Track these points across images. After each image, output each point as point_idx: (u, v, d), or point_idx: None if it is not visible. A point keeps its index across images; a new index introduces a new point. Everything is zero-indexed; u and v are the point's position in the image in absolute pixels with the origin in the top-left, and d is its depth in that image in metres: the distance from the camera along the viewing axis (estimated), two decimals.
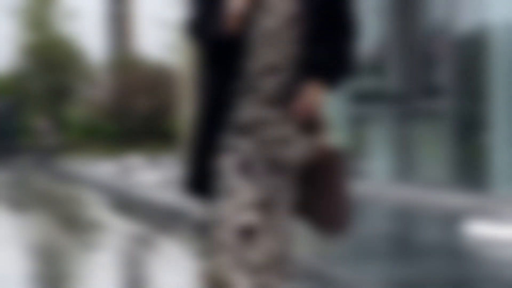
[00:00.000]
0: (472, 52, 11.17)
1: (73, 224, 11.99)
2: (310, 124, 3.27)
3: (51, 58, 45.10)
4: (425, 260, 6.91)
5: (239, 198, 3.17)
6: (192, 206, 11.74)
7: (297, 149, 3.25)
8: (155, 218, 12.11)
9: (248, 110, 3.22)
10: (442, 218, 9.66)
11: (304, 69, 3.24)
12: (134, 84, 43.37)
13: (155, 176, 18.59)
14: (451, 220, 9.13)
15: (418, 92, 12.01)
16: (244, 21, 3.15)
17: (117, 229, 11.06)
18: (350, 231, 3.37)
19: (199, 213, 10.61)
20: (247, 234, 3.15)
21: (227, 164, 3.20)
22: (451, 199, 10.50)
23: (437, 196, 10.79)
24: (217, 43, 3.16)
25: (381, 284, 5.77)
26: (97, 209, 14.14)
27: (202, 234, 9.74)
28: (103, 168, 23.28)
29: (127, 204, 14.32)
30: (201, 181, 3.27)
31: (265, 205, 3.19)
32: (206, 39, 3.21)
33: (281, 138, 3.23)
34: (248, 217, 3.16)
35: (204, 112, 3.27)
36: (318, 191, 3.31)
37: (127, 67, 45.92)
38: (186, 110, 26.94)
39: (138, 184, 16.87)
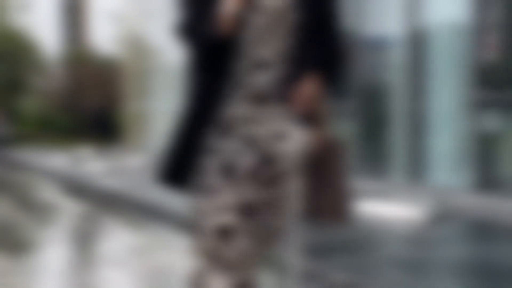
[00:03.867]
0: (376, 56, 11.90)
1: (28, 205, 12.81)
2: (311, 117, 3.17)
3: (4, 50, 44.25)
4: (326, 230, 7.91)
5: (218, 199, 3.09)
6: (131, 190, 13.06)
7: (294, 143, 3.15)
8: (101, 200, 13.08)
9: (236, 106, 3.12)
10: None
11: (299, 63, 3.14)
12: (86, 77, 42.88)
13: (103, 165, 19.47)
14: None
15: (330, 93, 12.96)
16: (237, 22, 3.06)
17: (67, 209, 12.04)
18: (351, 221, 3.33)
19: (137, 196, 11.94)
20: (224, 234, 3.09)
21: (210, 165, 3.12)
22: (355, 184, 11.58)
23: None
24: (210, 44, 3.08)
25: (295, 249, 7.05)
26: (50, 193, 14.81)
27: (140, 214, 11.09)
28: (55, 159, 23.55)
29: (77, 189, 15.09)
30: (181, 174, 3.17)
31: (244, 208, 3.10)
32: (198, 41, 3.12)
33: (274, 134, 3.13)
34: (226, 218, 3.09)
35: (191, 109, 3.17)
36: (322, 182, 3.24)
37: (80, 60, 45.26)
38: (131, 104, 26.76)
39: (87, 172, 17.60)
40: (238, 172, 3.11)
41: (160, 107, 23.57)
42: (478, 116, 9.75)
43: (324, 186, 3.24)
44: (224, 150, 3.12)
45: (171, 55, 22.52)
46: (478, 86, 9.74)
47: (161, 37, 23.45)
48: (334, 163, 3.25)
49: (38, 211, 12.11)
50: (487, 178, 9.61)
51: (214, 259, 3.09)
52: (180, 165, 3.16)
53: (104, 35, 50.43)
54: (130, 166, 19.85)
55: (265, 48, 3.12)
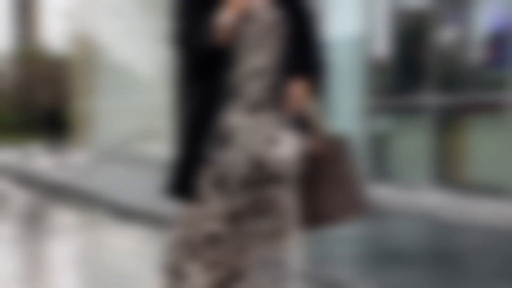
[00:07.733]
0: None
1: None
2: (302, 120, 3.26)
3: None
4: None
5: (207, 209, 3.17)
6: (75, 182, 14.32)
7: (287, 148, 3.21)
8: (48, 190, 14.18)
9: (232, 116, 3.17)
10: None
11: (288, 69, 3.23)
12: (36, 74, 43.05)
13: (52, 161, 20.39)
14: None
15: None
16: (233, 33, 3.11)
17: (17, 197, 13.31)
18: (369, 211, 3.35)
19: (80, 187, 13.31)
20: (211, 240, 3.17)
21: (204, 176, 3.17)
22: None
23: None
24: (205, 53, 3.12)
25: None
26: (1, 185, 15.91)
27: (83, 203, 12.53)
28: (6, 154, 24.19)
29: (26, 181, 16.08)
30: (187, 185, 3.21)
31: (231, 216, 3.17)
32: (194, 49, 3.15)
33: (265, 139, 3.18)
34: (213, 227, 3.17)
35: (190, 119, 3.22)
36: (331, 182, 3.25)
37: (30, 57, 45.32)
38: (80, 101, 27.23)
39: (37, 167, 18.47)
40: (230, 183, 3.17)
41: (107, 105, 24.01)
42: (372, 120, 11.29)
43: (337, 184, 3.27)
44: (220, 161, 3.17)
45: (119, 53, 23.15)
46: (371, 93, 11.27)
47: (110, 35, 23.90)
48: (341, 160, 3.29)
49: None
50: (378, 172, 11.17)
51: (197, 255, 3.18)
52: (185, 177, 3.22)
53: (54, 33, 50.22)
54: (77, 162, 20.79)
55: (258, 57, 3.18)
